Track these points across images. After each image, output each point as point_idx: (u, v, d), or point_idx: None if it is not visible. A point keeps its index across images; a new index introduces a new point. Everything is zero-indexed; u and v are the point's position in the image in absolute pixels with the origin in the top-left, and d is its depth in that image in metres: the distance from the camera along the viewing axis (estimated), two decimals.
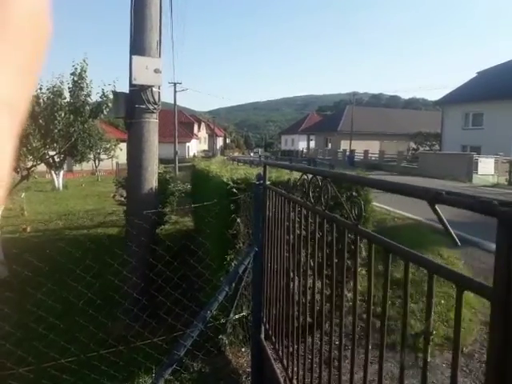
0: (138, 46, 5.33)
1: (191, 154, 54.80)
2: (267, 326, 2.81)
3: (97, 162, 29.32)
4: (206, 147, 72.45)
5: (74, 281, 3.04)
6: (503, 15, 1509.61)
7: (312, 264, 1.94)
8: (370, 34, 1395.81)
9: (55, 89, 8.59)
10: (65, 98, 8.57)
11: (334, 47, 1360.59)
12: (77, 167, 30.30)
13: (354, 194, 4.03)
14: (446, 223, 0.92)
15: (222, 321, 3.02)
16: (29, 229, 11.62)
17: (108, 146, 27.24)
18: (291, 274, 2.33)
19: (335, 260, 1.67)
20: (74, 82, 8.60)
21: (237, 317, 3.14)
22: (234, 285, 2.87)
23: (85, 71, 8.61)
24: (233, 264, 3.73)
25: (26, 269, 3.25)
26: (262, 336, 2.95)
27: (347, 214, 1.48)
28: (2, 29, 0.30)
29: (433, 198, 0.91)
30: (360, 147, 36.11)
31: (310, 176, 1.96)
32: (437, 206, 0.92)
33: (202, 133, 73.29)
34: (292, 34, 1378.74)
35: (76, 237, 9.89)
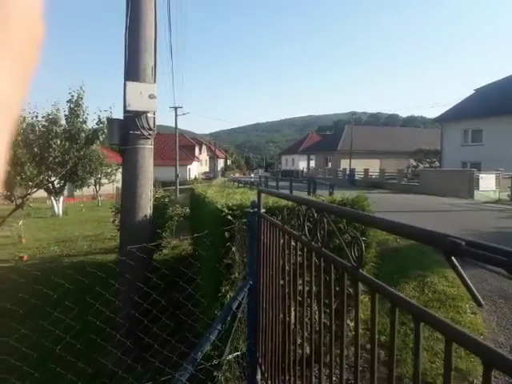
0: (132, 71, 5.25)
1: (192, 177, 54.92)
2: (263, 367, 2.59)
3: (98, 186, 29.31)
4: (207, 169, 72.73)
5: (53, 322, 2.82)
6: (498, 32, 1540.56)
7: (310, 293, 1.75)
8: (366, 54, 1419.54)
9: (51, 116, 8.53)
10: (61, 126, 8.51)
11: (332, 68, 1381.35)
12: (78, 192, 30.24)
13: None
14: (467, 280, 0.73)
15: (215, 362, 2.79)
16: (26, 257, 11.39)
17: (109, 170, 27.30)
18: (288, 304, 2.14)
19: (335, 288, 1.50)
20: (71, 109, 8.55)
21: (231, 357, 2.91)
22: (227, 322, 2.66)
23: (81, 98, 8.57)
24: (228, 296, 3.51)
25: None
26: (259, 377, 2.72)
27: (345, 251, 1.30)
28: None
29: (449, 248, 0.73)
30: (360, 166, 36.05)
31: (304, 206, 1.78)
32: (454, 259, 0.74)
33: (203, 155, 73.69)
34: (291, 57, 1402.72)
35: (73, 264, 9.66)
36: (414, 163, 38.57)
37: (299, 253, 1.89)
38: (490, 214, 13.39)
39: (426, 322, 0.85)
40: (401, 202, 16.97)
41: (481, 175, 20.75)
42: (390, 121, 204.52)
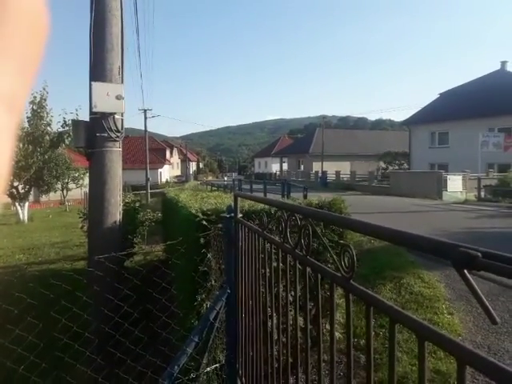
0: (98, 71, 5.03)
1: (164, 180, 54.11)
2: (243, 379, 2.48)
3: (65, 191, 28.40)
4: (179, 172, 71.88)
5: (16, 340, 2.61)
6: (462, 38, 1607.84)
7: (295, 301, 1.66)
8: (336, 59, 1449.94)
9: None
10: (23, 128, 8.09)
11: (302, 72, 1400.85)
12: (44, 198, 29.21)
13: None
14: (482, 296, 0.65)
15: (193, 375, 2.66)
16: None
17: (76, 174, 26.55)
18: (269, 313, 2.05)
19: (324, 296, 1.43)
20: (33, 111, 8.17)
21: (209, 369, 2.78)
22: (204, 333, 2.53)
23: (45, 100, 8.20)
24: (204, 305, 3.38)
25: None
26: None
27: (333, 260, 1.21)
28: (1, 26, 0.30)
29: (461, 260, 0.65)
30: (331, 168, 36.52)
31: (287, 212, 1.69)
32: (467, 272, 0.66)
33: (175, 158, 72.79)
34: (260, 60, 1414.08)
35: (39, 273, 9.24)
36: (384, 165, 39.45)
37: (281, 260, 1.80)
38: (459, 214, 13.77)
39: (429, 340, 0.77)
40: (373, 204, 17.24)
41: (448, 176, 21.38)
42: (360, 124, 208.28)
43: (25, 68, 0.33)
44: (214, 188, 24.69)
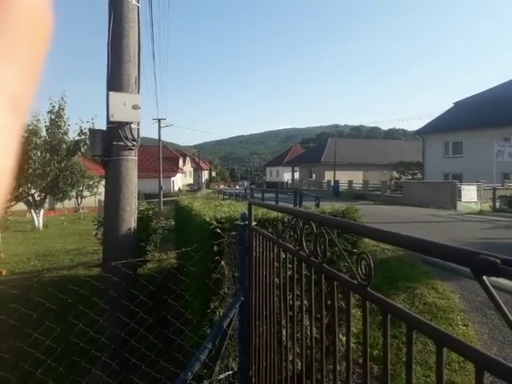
0: (115, 82, 5.14)
1: (176, 188, 54.48)
2: None
3: (79, 199, 28.82)
4: (191, 181, 72.38)
5: (33, 343, 2.65)
6: (475, 49, 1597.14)
7: (310, 310, 1.67)
8: (348, 69, 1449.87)
9: (30, 127, 8.28)
10: (41, 137, 8.27)
11: (314, 82, 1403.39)
12: (59, 205, 29.65)
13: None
14: (500, 302, 0.66)
15: (206, 382, 2.67)
16: (4, 272, 11.02)
17: (91, 182, 26.92)
18: (283, 321, 2.05)
19: (339, 305, 1.44)
20: (52, 120, 8.34)
21: (222, 376, 2.79)
22: (217, 341, 2.54)
23: (63, 109, 8.37)
24: (217, 313, 3.40)
25: None
26: None
27: (347, 268, 1.22)
28: (3, 27, 0.30)
29: (481, 267, 0.66)
30: (344, 177, 36.34)
31: (302, 220, 1.71)
32: (486, 278, 0.67)
33: (188, 167, 73.38)
34: (275, 72, 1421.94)
35: (54, 279, 9.35)
36: (397, 175, 39.10)
37: (296, 268, 1.81)
38: (474, 224, 13.57)
39: (447, 346, 0.77)
40: (386, 214, 17.08)
41: (463, 187, 21.11)
42: (372, 133, 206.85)
43: (29, 67, 0.32)
44: (225, 196, 24.78)
